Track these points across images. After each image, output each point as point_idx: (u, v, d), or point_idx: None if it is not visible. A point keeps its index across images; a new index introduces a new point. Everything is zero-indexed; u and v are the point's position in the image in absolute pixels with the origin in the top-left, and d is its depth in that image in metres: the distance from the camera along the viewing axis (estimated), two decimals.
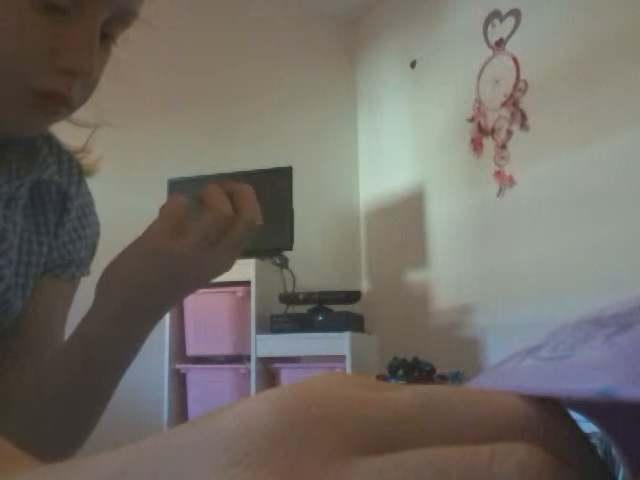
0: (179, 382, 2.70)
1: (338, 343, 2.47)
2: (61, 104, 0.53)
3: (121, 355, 0.60)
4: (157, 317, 0.60)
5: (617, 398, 0.14)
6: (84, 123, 0.66)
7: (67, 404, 0.60)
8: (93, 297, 0.59)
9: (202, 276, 0.59)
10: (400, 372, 2.54)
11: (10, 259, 0.58)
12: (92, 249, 0.69)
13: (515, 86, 2.70)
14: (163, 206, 0.60)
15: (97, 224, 0.70)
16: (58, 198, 0.64)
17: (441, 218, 3.04)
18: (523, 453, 0.13)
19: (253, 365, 2.56)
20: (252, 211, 0.58)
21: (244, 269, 2.63)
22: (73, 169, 0.66)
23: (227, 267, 0.60)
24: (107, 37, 0.55)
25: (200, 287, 0.61)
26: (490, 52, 2.84)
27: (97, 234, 0.70)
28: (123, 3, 0.53)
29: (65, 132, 0.63)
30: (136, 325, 0.59)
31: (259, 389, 2.54)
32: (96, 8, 0.51)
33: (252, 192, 0.59)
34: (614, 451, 0.19)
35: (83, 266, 0.67)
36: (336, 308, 2.71)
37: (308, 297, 2.69)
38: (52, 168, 0.63)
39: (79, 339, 0.59)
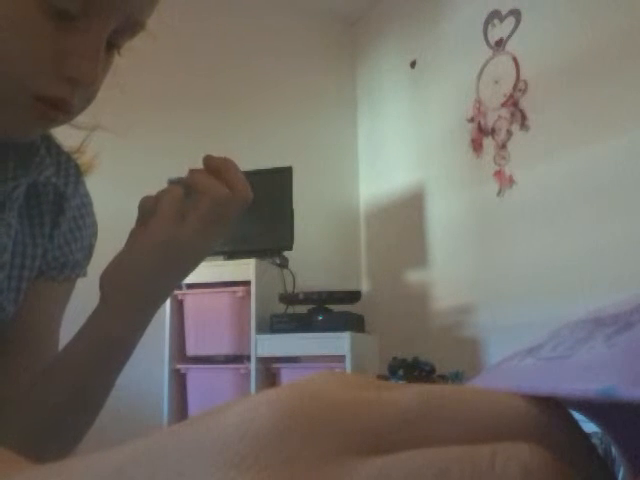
0: (179, 382, 2.70)
1: (338, 343, 2.47)
2: (60, 111, 0.52)
3: (130, 349, 0.61)
4: (160, 305, 0.62)
5: (618, 398, 0.14)
6: (81, 125, 0.65)
7: (70, 405, 0.60)
8: (89, 298, 0.59)
9: (200, 258, 0.61)
10: (400, 372, 2.54)
11: (3, 262, 0.58)
12: (89, 250, 0.69)
13: (515, 86, 2.70)
14: (144, 198, 0.60)
15: (94, 225, 0.69)
16: (54, 199, 0.64)
17: (441, 218, 3.04)
18: (525, 453, 0.13)
19: (253, 365, 2.56)
20: (244, 189, 0.58)
21: (244, 269, 2.64)
22: (70, 169, 0.65)
23: (218, 245, 0.62)
24: (112, 46, 0.55)
25: (195, 268, 0.62)
26: (490, 52, 2.84)
27: (94, 235, 0.69)
28: (132, 14, 0.53)
29: (62, 132, 0.63)
30: (146, 317, 0.60)
31: (259, 389, 2.54)
32: (104, 17, 0.51)
33: (237, 166, 0.59)
34: (614, 451, 0.19)
35: (79, 267, 0.67)
36: (336, 308, 2.71)
37: (308, 297, 2.69)
38: (50, 169, 0.62)
39: (92, 338, 0.59)
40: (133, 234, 0.60)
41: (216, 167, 0.59)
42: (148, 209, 0.59)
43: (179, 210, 0.57)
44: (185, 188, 0.58)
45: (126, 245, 0.61)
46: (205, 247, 0.59)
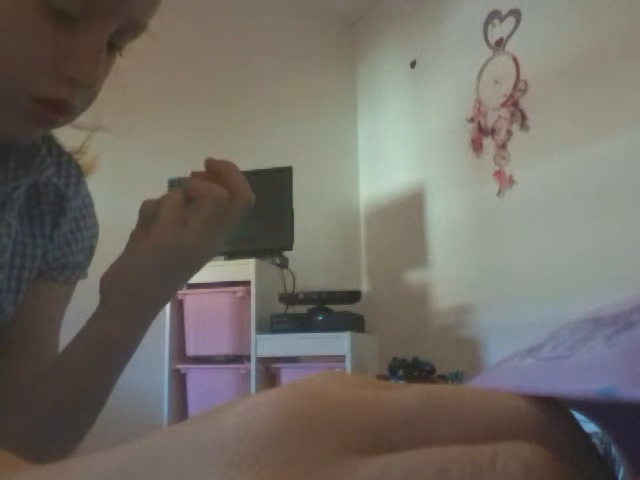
0: (179, 382, 2.70)
1: (338, 343, 2.47)
2: (60, 114, 0.52)
3: (130, 351, 0.61)
4: (162, 308, 0.61)
5: (618, 398, 0.14)
6: (82, 125, 0.65)
7: (71, 406, 0.60)
8: (89, 299, 0.59)
9: (203, 261, 0.60)
10: (400, 372, 2.54)
11: (3, 263, 0.58)
12: (89, 252, 0.68)
13: (515, 86, 2.70)
14: (144, 202, 0.60)
15: (96, 225, 0.69)
16: (55, 200, 0.63)
17: (441, 218, 3.04)
18: (526, 452, 0.13)
19: (253, 365, 2.56)
20: (245, 192, 0.58)
21: (244, 269, 2.64)
22: (72, 170, 0.65)
23: (221, 248, 0.61)
24: (113, 47, 0.54)
25: (198, 271, 0.61)
26: (490, 52, 2.84)
27: (95, 236, 0.69)
28: (133, 16, 0.52)
29: (63, 133, 0.63)
30: (147, 319, 0.60)
31: (259, 389, 2.54)
32: (105, 18, 0.50)
33: (238, 169, 0.59)
34: (614, 451, 0.19)
35: (80, 269, 0.67)
36: (336, 308, 2.71)
37: (308, 297, 2.69)
38: (50, 170, 0.62)
39: (92, 339, 0.59)
40: (134, 237, 0.60)
41: (217, 170, 0.59)
42: (149, 213, 0.59)
43: (180, 216, 0.57)
44: (184, 194, 0.58)
45: (126, 248, 0.60)
46: (208, 250, 0.59)
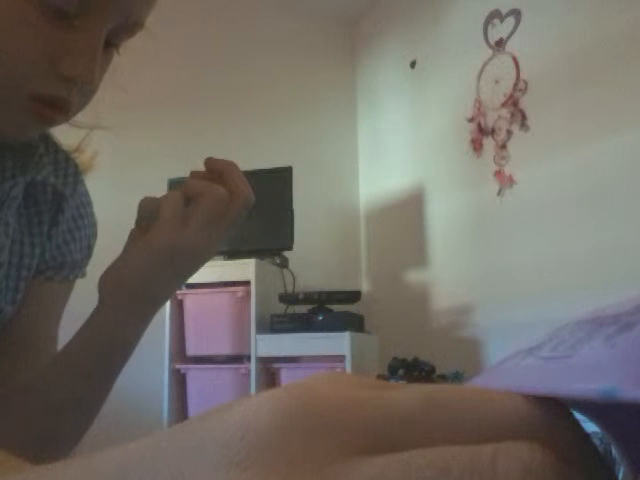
0: (179, 382, 2.70)
1: (338, 343, 2.47)
2: (57, 111, 0.52)
3: (129, 350, 0.60)
4: (160, 307, 0.61)
5: (619, 399, 0.14)
6: (81, 124, 0.65)
7: (69, 405, 0.60)
8: (89, 298, 0.59)
9: (203, 260, 0.60)
10: (400, 372, 2.54)
11: (1, 262, 0.58)
12: (88, 250, 0.68)
13: (515, 86, 2.70)
14: (142, 200, 0.60)
15: (94, 225, 0.69)
16: (53, 198, 0.63)
17: (441, 218, 3.04)
18: (526, 452, 0.13)
19: (253, 365, 2.56)
20: (245, 191, 0.58)
21: (244, 269, 2.64)
22: (69, 169, 0.65)
23: (221, 248, 0.61)
24: (110, 45, 0.54)
25: (197, 270, 0.61)
26: (490, 52, 2.84)
27: (94, 235, 0.69)
28: (130, 14, 0.52)
29: (61, 131, 0.63)
30: (146, 318, 0.60)
31: (259, 389, 2.54)
32: (102, 17, 0.50)
33: (238, 168, 0.59)
34: (614, 451, 0.19)
35: (78, 268, 0.66)
36: (336, 308, 2.71)
37: (308, 297, 2.69)
38: (48, 168, 0.62)
39: (91, 339, 0.59)
40: (133, 237, 0.60)
41: (217, 169, 0.58)
42: (148, 211, 0.59)
43: (180, 216, 0.57)
44: (184, 193, 0.57)
45: (126, 248, 0.60)
46: (207, 249, 0.59)
